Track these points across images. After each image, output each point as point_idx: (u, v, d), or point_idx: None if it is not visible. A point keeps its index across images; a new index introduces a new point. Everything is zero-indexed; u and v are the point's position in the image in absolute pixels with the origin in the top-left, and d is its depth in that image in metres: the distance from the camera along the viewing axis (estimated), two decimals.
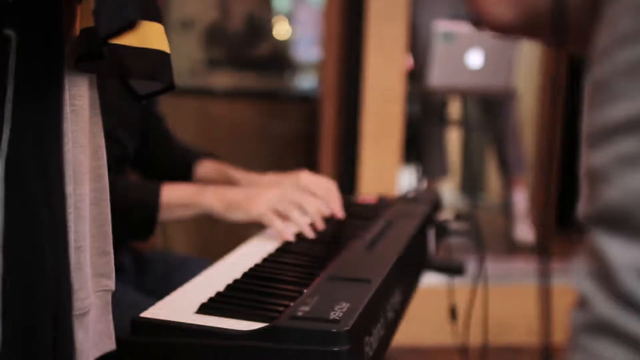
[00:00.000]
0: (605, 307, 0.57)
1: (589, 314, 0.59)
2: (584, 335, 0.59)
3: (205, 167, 1.91)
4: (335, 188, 1.74)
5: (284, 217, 1.55)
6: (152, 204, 1.50)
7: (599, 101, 0.59)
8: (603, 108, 0.58)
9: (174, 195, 1.52)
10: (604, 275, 0.57)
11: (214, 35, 4.39)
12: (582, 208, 0.60)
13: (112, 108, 1.61)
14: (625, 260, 0.56)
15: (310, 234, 1.52)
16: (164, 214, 1.52)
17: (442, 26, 3.69)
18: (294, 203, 1.54)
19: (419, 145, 4.79)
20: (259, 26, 4.46)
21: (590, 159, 0.59)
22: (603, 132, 0.58)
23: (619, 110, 0.57)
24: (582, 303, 0.60)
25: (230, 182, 1.84)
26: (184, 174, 1.90)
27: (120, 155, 1.66)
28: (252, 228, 1.61)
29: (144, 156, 1.89)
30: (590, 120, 0.59)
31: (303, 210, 1.55)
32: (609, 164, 0.57)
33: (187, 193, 1.53)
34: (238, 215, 1.52)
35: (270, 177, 1.80)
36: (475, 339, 2.12)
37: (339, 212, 1.68)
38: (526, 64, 4.63)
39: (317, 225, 1.57)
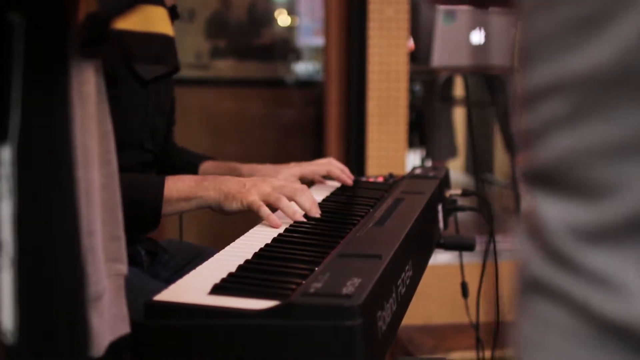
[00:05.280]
0: (540, 266, 0.58)
1: (527, 273, 0.59)
2: (523, 296, 0.60)
3: (207, 165, 1.99)
4: (334, 161, 1.93)
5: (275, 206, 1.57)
6: (155, 199, 1.53)
7: (524, 65, 0.59)
8: (528, 72, 0.59)
9: (175, 189, 1.55)
10: (538, 234, 0.58)
11: (216, 26, 4.39)
12: (521, 168, 0.61)
13: (145, 121, 1.69)
14: (555, 218, 0.56)
15: (299, 219, 1.53)
16: (167, 208, 1.55)
17: (443, 6, 3.68)
18: (285, 194, 1.55)
19: (423, 129, 4.77)
20: (260, 15, 4.46)
21: (524, 121, 0.60)
22: (532, 95, 0.59)
23: (540, 75, 0.57)
24: (522, 264, 0.60)
25: (232, 171, 1.91)
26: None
27: (149, 161, 1.75)
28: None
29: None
30: (521, 82, 0.60)
31: (294, 200, 1.56)
32: (539, 126, 0.58)
33: (187, 186, 1.56)
34: (233, 206, 1.55)
35: (271, 166, 1.90)
36: (485, 315, 2.13)
37: (348, 180, 1.90)
38: None
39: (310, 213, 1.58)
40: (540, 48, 0.57)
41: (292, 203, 1.54)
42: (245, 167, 1.91)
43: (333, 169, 1.90)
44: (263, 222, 1.54)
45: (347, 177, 1.91)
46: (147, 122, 1.70)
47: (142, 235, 1.71)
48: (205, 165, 1.98)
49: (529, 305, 0.59)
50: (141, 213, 1.52)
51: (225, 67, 4.41)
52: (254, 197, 1.53)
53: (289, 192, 1.56)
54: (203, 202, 1.56)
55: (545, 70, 0.57)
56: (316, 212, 1.55)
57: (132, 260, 1.64)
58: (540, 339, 0.58)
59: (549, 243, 0.57)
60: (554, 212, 0.57)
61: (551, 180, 0.57)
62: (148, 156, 1.74)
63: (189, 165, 1.98)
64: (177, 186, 1.55)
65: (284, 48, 4.54)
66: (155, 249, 1.75)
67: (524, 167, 0.61)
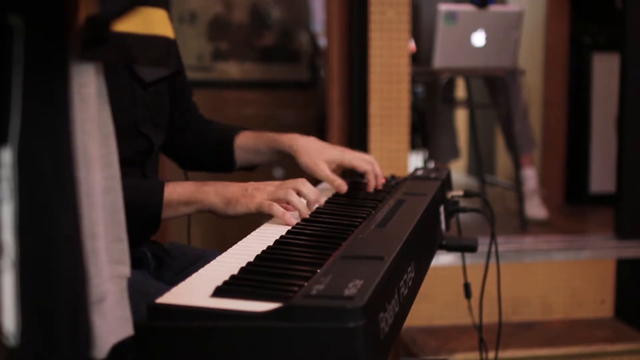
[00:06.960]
0: None
1: None
2: None
3: (243, 137, 1.95)
4: (377, 163, 1.88)
5: (283, 204, 1.56)
6: (155, 203, 1.53)
7: None
8: None
9: (175, 193, 1.55)
10: None
11: (218, 28, 4.39)
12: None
13: (141, 104, 1.67)
14: None
15: (307, 215, 1.55)
16: (167, 213, 1.54)
17: (445, 7, 3.68)
18: (291, 188, 1.55)
19: (425, 131, 4.77)
20: (262, 17, 4.45)
21: None
22: None
23: None
24: None
25: (272, 141, 1.89)
26: (225, 151, 1.96)
27: (145, 149, 1.71)
28: (264, 218, 1.62)
29: (183, 146, 1.98)
30: None
31: (301, 194, 1.57)
32: None
33: (188, 190, 1.56)
34: (237, 210, 1.54)
35: (314, 140, 1.90)
36: (488, 317, 2.13)
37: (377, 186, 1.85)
38: (530, 42, 4.61)
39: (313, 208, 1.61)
40: None
41: (302, 199, 1.55)
42: (285, 137, 1.88)
43: (370, 172, 1.85)
44: (264, 224, 1.54)
45: (377, 185, 1.85)
46: (137, 98, 1.66)
47: (143, 239, 1.71)
48: (242, 138, 1.95)
49: None
50: (142, 217, 1.52)
51: (227, 69, 4.41)
52: (260, 199, 1.53)
53: (293, 186, 1.56)
54: (203, 206, 1.55)
55: None
56: (314, 205, 1.58)
57: (139, 263, 1.64)
58: None
59: None
60: None
61: None
62: (144, 143, 1.70)
63: (222, 145, 1.96)
64: (177, 191, 1.55)
65: (286, 50, 4.53)
66: (161, 252, 1.75)
67: None
